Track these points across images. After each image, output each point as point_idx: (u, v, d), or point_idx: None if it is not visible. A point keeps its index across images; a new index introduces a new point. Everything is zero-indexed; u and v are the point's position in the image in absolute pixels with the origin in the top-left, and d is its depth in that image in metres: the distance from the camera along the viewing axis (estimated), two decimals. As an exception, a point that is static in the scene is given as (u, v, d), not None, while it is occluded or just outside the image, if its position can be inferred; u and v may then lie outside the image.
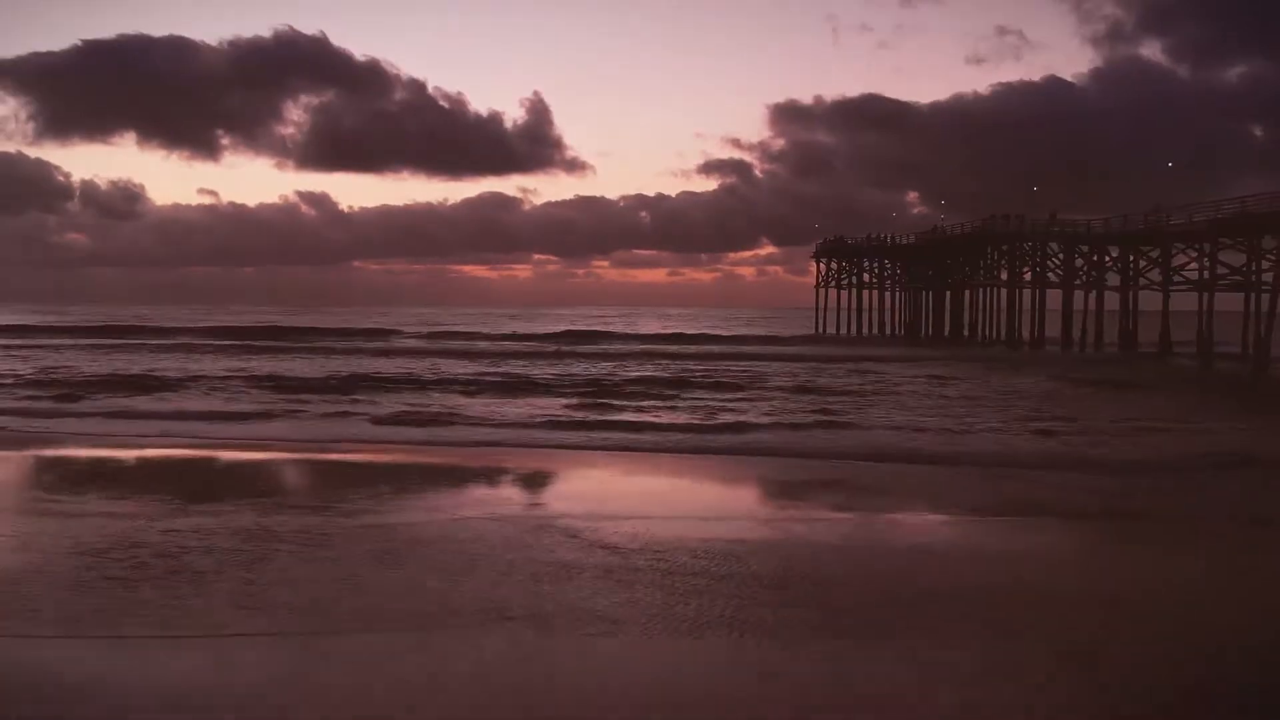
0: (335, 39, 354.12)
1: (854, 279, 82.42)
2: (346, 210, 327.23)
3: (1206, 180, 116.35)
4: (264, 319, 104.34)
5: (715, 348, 65.96)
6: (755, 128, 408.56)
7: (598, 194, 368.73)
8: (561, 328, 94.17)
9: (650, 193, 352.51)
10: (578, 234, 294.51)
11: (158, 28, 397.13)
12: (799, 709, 6.74)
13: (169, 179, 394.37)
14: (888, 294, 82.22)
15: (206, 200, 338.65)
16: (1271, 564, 11.46)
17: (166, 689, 6.93)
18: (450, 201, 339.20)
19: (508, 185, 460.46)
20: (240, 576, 9.71)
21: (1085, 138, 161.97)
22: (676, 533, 11.83)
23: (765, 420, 25.08)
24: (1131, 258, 57.32)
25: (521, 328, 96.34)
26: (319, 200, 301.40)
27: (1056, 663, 7.59)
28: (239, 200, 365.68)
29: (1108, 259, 59.33)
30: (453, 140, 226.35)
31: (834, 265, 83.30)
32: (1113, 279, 58.93)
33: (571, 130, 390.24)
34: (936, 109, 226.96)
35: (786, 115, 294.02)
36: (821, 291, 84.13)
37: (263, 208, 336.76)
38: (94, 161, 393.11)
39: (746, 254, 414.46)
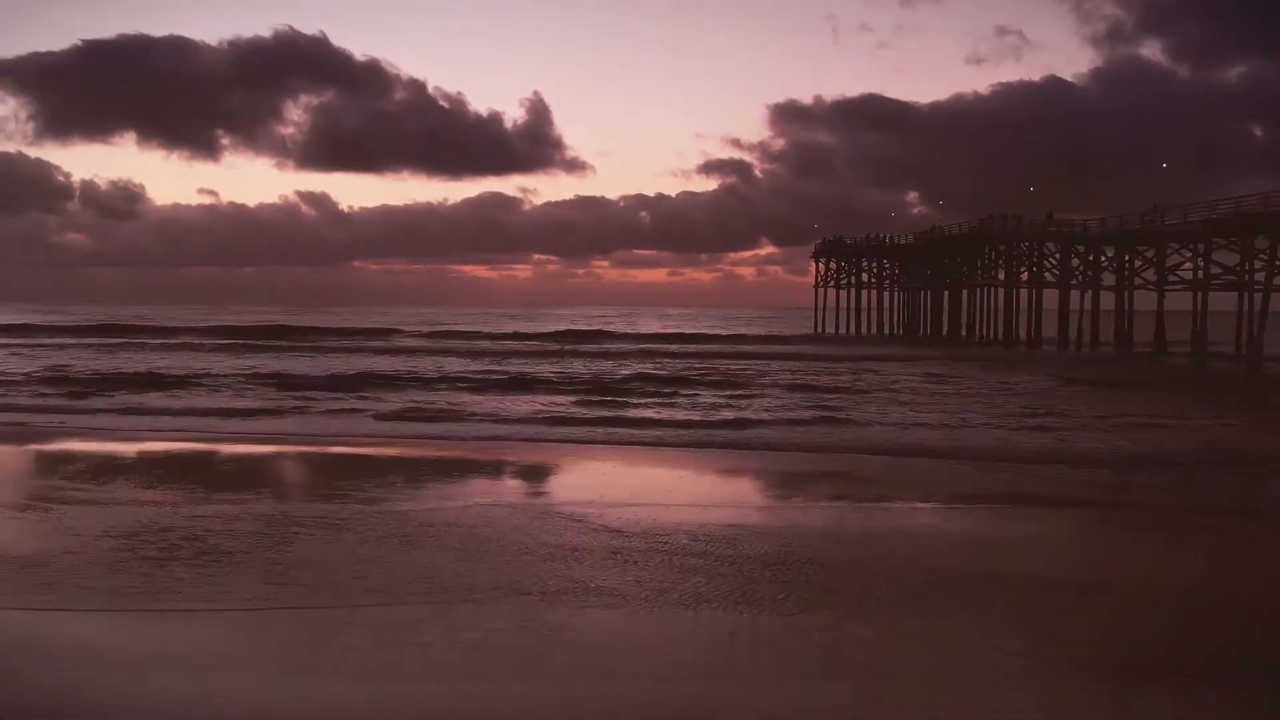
0: (335, 39, 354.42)
1: (853, 279, 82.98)
2: (346, 210, 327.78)
3: (1207, 180, 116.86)
4: (265, 319, 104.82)
5: (715, 347, 66.50)
6: (755, 128, 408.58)
7: (598, 194, 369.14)
8: (562, 328, 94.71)
9: (650, 193, 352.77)
10: (578, 234, 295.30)
11: (158, 28, 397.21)
12: (793, 671, 7.30)
13: (169, 179, 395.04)
14: (886, 294, 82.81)
15: (206, 200, 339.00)
16: (1252, 553, 11.99)
17: (205, 655, 7.47)
18: (450, 201, 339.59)
19: (508, 185, 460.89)
20: (266, 557, 10.27)
21: (1085, 138, 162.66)
22: (677, 519, 12.38)
23: (764, 417, 25.60)
24: (1127, 258, 57.86)
25: (522, 328, 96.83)
26: (319, 200, 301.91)
27: (1027, 632, 8.15)
28: (239, 200, 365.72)
29: (1103, 259, 59.87)
30: (453, 140, 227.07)
31: (833, 265, 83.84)
32: (1109, 279, 59.48)
33: (571, 130, 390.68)
34: (936, 109, 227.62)
35: (786, 115, 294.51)
36: (820, 291, 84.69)
37: (263, 208, 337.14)
38: (94, 161, 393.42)
39: (746, 254, 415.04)
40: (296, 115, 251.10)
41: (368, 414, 25.77)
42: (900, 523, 13.12)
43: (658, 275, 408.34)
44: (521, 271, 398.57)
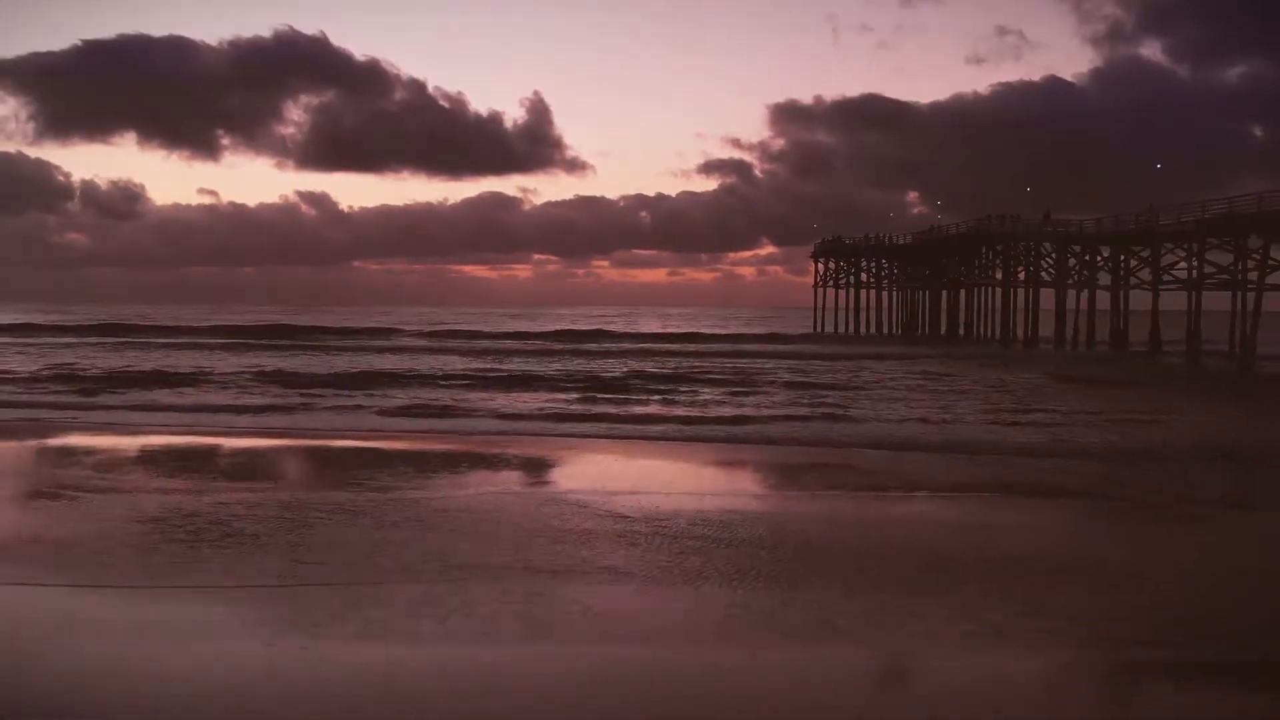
0: (335, 39, 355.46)
1: (852, 279, 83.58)
2: (346, 210, 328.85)
3: (1206, 180, 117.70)
4: (267, 318, 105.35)
5: (714, 346, 67.06)
6: (755, 128, 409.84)
7: (598, 194, 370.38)
8: (562, 327, 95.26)
9: (650, 193, 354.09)
10: (578, 234, 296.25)
11: (158, 28, 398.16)
12: (786, 637, 7.87)
13: (169, 179, 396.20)
14: (885, 293, 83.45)
15: (206, 200, 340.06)
16: (1231, 538, 12.53)
17: (235, 625, 8.02)
18: (450, 201, 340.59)
19: (508, 185, 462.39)
20: (289, 539, 10.83)
21: (1085, 138, 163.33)
22: (677, 506, 12.94)
23: (763, 413, 26.13)
24: (1122, 257, 58.44)
25: (522, 327, 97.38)
26: (319, 200, 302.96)
27: (1007, 606, 8.71)
28: (239, 200, 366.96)
29: (1099, 259, 60.46)
30: (453, 140, 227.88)
31: (832, 265, 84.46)
32: (1104, 278, 60.06)
33: (571, 130, 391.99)
34: (936, 109, 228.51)
35: (786, 115, 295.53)
36: (820, 291, 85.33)
37: (263, 208, 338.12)
38: (94, 161, 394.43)
39: (746, 254, 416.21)
40: (296, 115, 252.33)
41: (374, 410, 26.31)
42: (892, 510, 13.66)
43: (658, 275, 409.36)
44: (521, 271, 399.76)
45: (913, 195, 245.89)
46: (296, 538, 10.91)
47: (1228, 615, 8.65)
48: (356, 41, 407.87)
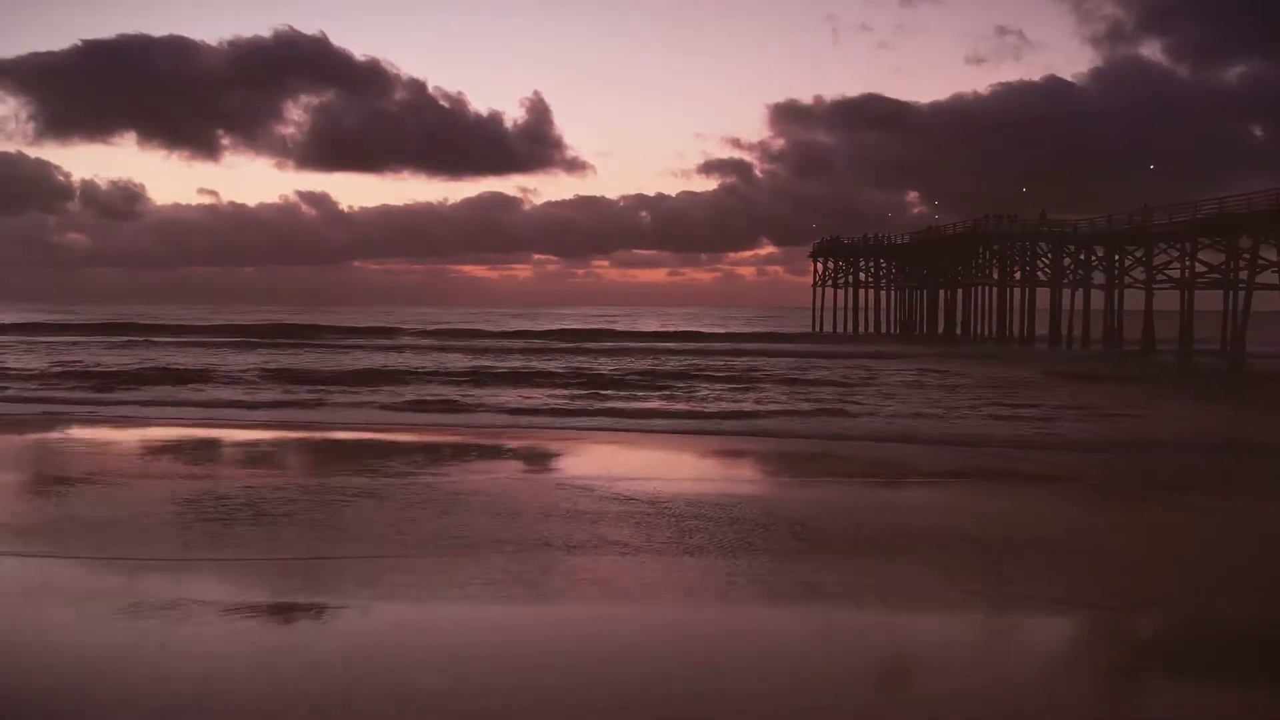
0: (335, 39, 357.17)
1: (850, 278, 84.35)
2: (346, 210, 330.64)
3: (1206, 180, 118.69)
4: (269, 318, 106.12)
5: (714, 344, 67.82)
6: (755, 128, 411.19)
7: (598, 194, 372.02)
8: (563, 327, 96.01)
9: (650, 193, 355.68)
10: (578, 234, 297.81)
11: (158, 28, 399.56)
12: (777, 599, 8.63)
13: (169, 179, 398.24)
14: (883, 293, 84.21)
15: (206, 200, 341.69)
16: (1201, 521, 13.27)
17: (269, 592, 8.75)
18: (450, 201, 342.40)
19: (508, 185, 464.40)
20: (315, 519, 11.58)
21: (1085, 138, 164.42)
22: (679, 490, 13.71)
23: (761, 408, 26.87)
24: (1117, 257, 59.22)
25: (523, 327, 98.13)
26: (319, 200, 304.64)
27: (984, 576, 9.49)
28: (239, 200, 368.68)
29: (1094, 258, 61.25)
30: (453, 140, 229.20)
31: (831, 265, 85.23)
32: (1099, 278, 60.84)
33: (571, 130, 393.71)
34: (936, 109, 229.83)
35: (786, 115, 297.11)
36: (819, 290, 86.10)
37: (263, 208, 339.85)
38: (94, 161, 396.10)
39: (746, 254, 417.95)
40: (296, 115, 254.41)
41: (382, 405, 27.03)
42: (883, 495, 14.41)
43: (658, 275, 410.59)
44: (522, 271, 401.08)
45: (913, 195, 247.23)
46: (323, 516, 11.66)
47: (1190, 584, 9.40)
48: (356, 41, 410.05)
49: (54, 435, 20.15)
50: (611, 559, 9.83)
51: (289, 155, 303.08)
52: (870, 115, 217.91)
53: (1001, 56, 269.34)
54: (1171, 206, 52.95)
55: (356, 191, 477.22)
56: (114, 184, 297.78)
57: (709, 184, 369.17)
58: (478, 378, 37.06)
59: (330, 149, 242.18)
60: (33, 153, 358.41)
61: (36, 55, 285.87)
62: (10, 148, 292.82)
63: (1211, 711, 6.46)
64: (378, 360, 47.14)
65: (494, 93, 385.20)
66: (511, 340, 72.25)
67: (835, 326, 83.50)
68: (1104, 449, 19.43)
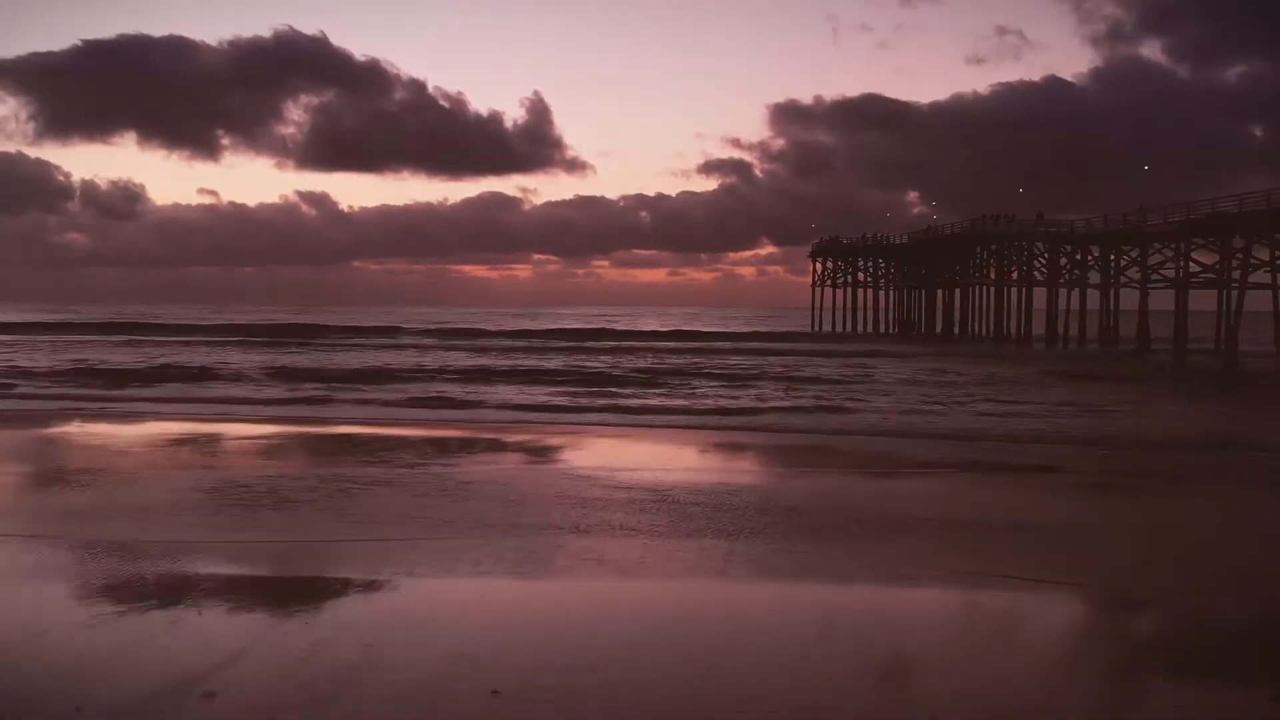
0: (335, 39, 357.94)
1: (850, 278, 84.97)
2: (346, 210, 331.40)
3: (1206, 180, 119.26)
4: (270, 318, 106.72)
5: (714, 344, 68.43)
6: (755, 128, 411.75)
7: (598, 194, 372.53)
8: (564, 326, 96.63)
9: (650, 193, 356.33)
10: (578, 234, 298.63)
11: (158, 28, 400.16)
12: (771, 574, 9.26)
13: (169, 179, 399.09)
14: (882, 292, 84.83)
15: (206, 200, 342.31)
16: (1174, 508, 13.87)
17: (295, 568, 9.34)
18: (450, 201, 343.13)
19: (508, 185, 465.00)
20: (336, 505, 12.19)
21: (1085, 138, 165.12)
22: (679, 480, 14.33)
23: (759, 405, 27.46)
24: (1112, 257, 59.82)
25: (524, 326, 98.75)
26: (319, 200, 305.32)
27: (968, 556, 10.10)
28: (239, 200, 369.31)
29: (1090, 258, 61.84)
30: (453, 140, 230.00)
31: (830, 264, 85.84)
32: (1095, 278, 61.43)
33: (571, 130, 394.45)
34: (936, 109, 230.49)
35: (786, 115, 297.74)
36: (818, 290, 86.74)
37: (263, 208, 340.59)
38: (94, 161, 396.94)
39: (746, 254, 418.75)
40: (296, 115, 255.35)
41: (388, 402, 27.63)
42: (875, 484, 15.00)
43: (658, 275, 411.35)
44: (522, 271, 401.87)
45: (912, 195, 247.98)
46: (343, 503, 12.27)
47: (1154, 562, 10.01)
48: (356, 41, 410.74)
49: (80, 430, 20.79)
50: (614, 541, 10.44)
51: (289, 155, 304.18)
52: (870, 115, 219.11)
53: (1001, 56, 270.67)
54: (1166, 207, 53.57)
55: (356, 191, 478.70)
56: (114, 184, 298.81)
57: (709, 184, 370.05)
58: (481, 375, 37.68)
59: (330, 149, 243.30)
60: (33, 153, 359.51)
61: (36, 55, 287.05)
62: (10, 148, 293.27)
63: (1189, 686, 7.06)
64: (381, 359, 47.75)
65: (494, 93, 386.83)
66: (513, 339, 72.86)
67: (834, 326, 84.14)
68: (1094, 443, 20.02)
